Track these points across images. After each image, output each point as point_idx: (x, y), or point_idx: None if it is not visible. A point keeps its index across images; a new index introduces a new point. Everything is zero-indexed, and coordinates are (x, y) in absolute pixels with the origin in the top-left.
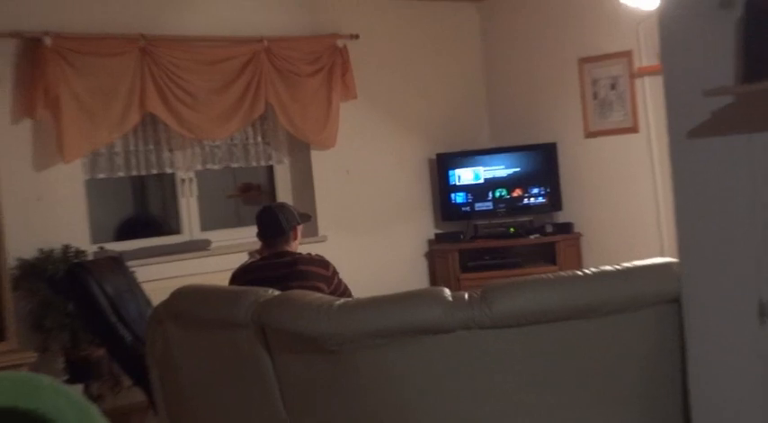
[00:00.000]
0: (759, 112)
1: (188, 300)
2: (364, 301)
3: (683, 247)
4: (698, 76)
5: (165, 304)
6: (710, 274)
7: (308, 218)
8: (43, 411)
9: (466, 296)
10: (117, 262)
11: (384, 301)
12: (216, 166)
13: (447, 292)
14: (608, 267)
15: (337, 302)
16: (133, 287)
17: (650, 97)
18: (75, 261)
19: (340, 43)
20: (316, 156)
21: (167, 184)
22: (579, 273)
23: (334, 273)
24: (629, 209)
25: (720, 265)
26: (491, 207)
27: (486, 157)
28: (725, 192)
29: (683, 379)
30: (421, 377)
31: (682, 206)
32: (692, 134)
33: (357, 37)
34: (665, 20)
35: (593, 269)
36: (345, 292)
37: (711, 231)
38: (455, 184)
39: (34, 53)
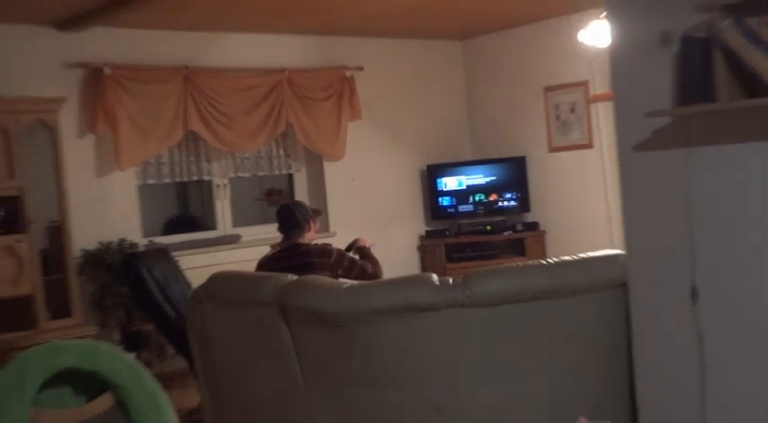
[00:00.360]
0: (691, 130)
1: (222, 284)
2: (367, 284)
3: (629, 242)
4: (641, 101)
5: (202, 287)
6: (651, 263)
7: (319, 212)
8: (103, 372)
9: (450, 281)
10: (163, 252)
11: (383, 285)
12: (245, 174)
13: (435, 277)
14: (567, 257)
15: (345, 285)
16: (176, 273)
17: (603, 119)
18: (130, 251)
19: (348, 73)
20: (327, 166)
21: (205, 188)
22: (543, 262)
23: (340, 257)
24: (585, 210)
25: (660, 256)
26: (472, 209)
27: (468, 168)
28: (664, 196)
29: (628, 349)
30: (414, 347)
31: (628, 208)
32: (636, 149)
33: (362, 68)
34: (615, 55)
35: (555, 259)
36: (362, 268)
37: (652, 228)
38: (442, 190)
39: (96, 80)
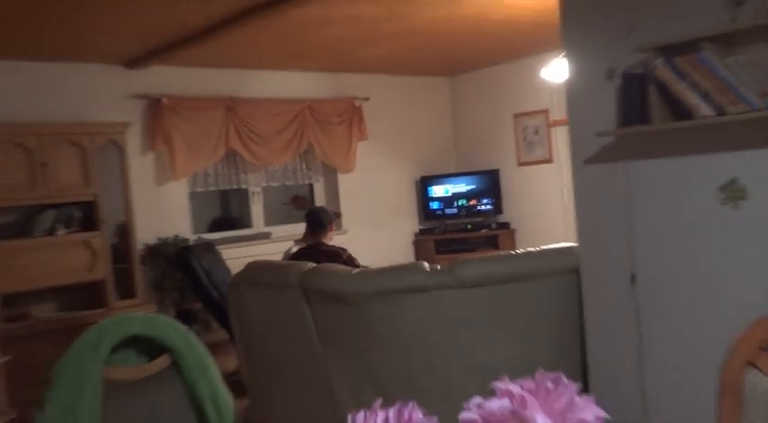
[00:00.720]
0: (630, 147)
1: (255, 271)
2: (372, 270)
3: (581, 237)
4: (591, 124)
5: (240, 274)
6: (598, 253)
7: (339, 216)
8: (161, 338)
9: (438, 267)
10: (209, 246)
11: (385, 270)
12: (275, 184)
13: (426, 264)
14: (532, 249)
15: (354, 271)
16: (219, 263)
17: (560, 140)
18: (182, 245)
19: (357, 103)
20: (341, 177)
21: (242, 195)
22: (512, 252)
23: (350, 260)
24: (546, 212)
25: (605, 248)
26: (456, 212)
27: (453, 179)
28: (608, 199)
29: (581, 323)
30: (409, 320)
31: (580, 209)
32: (586, 162)
33: (368, 99)
34: (570, 87)
35: (522, 250)
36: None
37: (599, 226)
38: (432, 196)
39: (156, 108)
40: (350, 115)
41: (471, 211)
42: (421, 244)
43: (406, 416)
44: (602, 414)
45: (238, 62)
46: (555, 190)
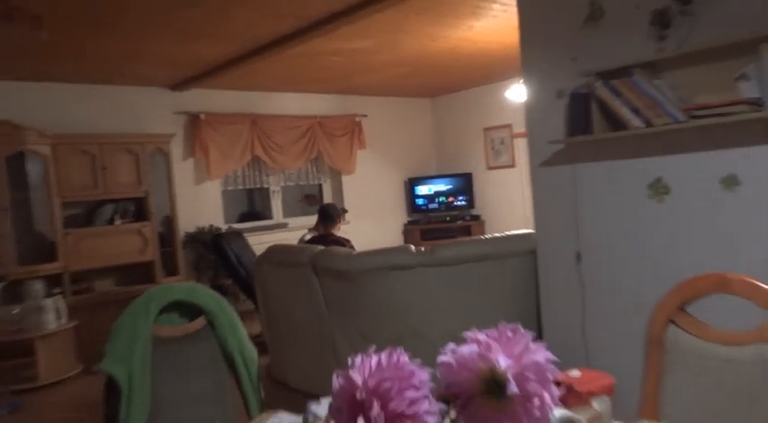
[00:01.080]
0: (577, 152)
1: (276, 252)
2: (368, 251)
3: (537, 225)
4: (545, 134)
5: (263, 255)
6: (551, 238)
7: (346, 211)
8: (199, 303)
9: (422, 249)
10: (238, 233)
11: (379, 252)
12: (291, 184)
13: (412, 247)
14: (498, 234)
15: (354, 252)
16: (246, 247)
17: (521, 149)
18: (216, 233)
19: (357, 119)
20: (344, 178)
21: (264, 192)
22: (482, 237)
23: (351, 248)
24: (510, 207)
25: (556, 234)
26: (437, 206)
27: (435, 180)
28: (559, 195)
29: (537, 293)
30: (398, 292)
31: (536, 203)
32: (542, 165)
33: (366, 116)
34: (529, 105)
35: (489, 235)
36: None
37: (552, 216)
38: (418, 194)
39: (195, 123)
40: (351, 129)
41: (449, 206)
42: (409, 233)
43: (395, 358)
44: (552, 357)
45: (261, 86)
46: (516, 189)
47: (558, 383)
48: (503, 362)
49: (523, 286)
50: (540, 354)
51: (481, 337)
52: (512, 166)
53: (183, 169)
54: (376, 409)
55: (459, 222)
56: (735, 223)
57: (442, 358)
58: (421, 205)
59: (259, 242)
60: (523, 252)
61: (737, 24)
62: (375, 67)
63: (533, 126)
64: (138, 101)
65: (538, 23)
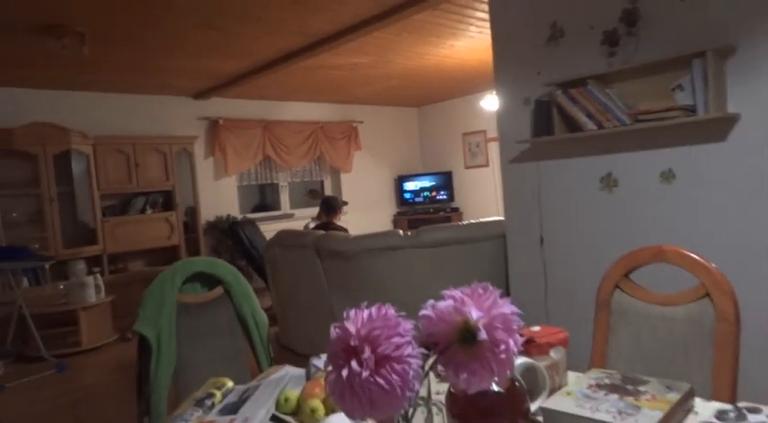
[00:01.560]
0: (541, 151)
1: (284, 236)
2: (363, 235)
3: (507, 213)
4: (513, 135)
5: (273, 238)
6: (518, 224)
7: (346, 203)
8: (218, 274)
9: (409, 233)
10: (251, 222)
11: (373, 235)
12: (297, 180)
13: (400, 231)
14: (473, 221)
15: (352, 235)
16: (258, 233)
17: (493, 151)
18: (233, 221)
19: (354, 125)
20: (343, 176)
21: (274, 187)
22: (461, 223)
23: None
24: (484, 200)
25: (523, 221)
26: (422, 200)
27: (420, 177)
28: (525, 187)
29: (506, 272)
30: (388, 269)
31: (506, 194)
32: (511, 162)
33: (362, 122)
34: (500, 111)
35: (467, 222)
36: None
37: (519, 205)
38: (406, 189)
39: (215, 127)
40: (349, 133)
41: (433, 200)
42: (398, 223)
43: (383, 311)
44: (516, 310)
45: (272, 96)
46: (490, 185)
47: (521, 336)
48: (474, 314)
49: (495, 265)
50: (507, 307)
51: (456, 293)
52: (486, 165)
53: (204, 167)
54: (367, 352)
55: (441, 214)
56: (672, 210)
57: (424, 312)
58: (408, 199)
59: (269, 230)
60: (495, 236)
61: (674, 43)
62: (371, 80)
63: (504, 129)
64: (166, 108)
65: (508, 43)
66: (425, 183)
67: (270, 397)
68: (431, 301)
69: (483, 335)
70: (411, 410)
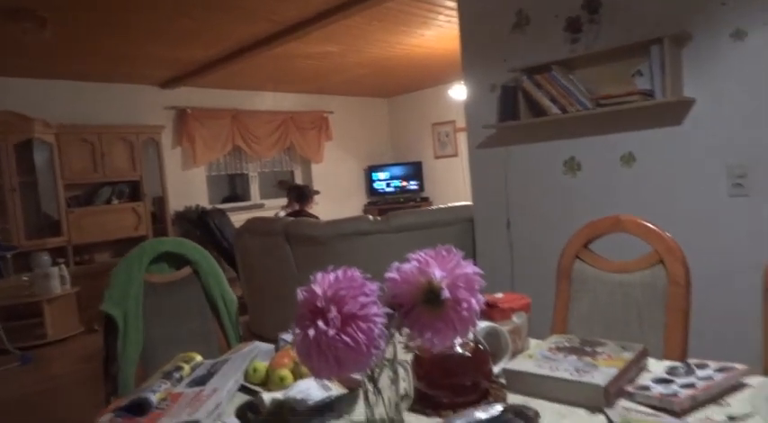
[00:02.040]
0: (507, 136)
1: (254, 223)
2: (335, 220)
3: (474, 197)
4: (481, 120)
5: (243, 226)
6: (486, 208)
7: (317, 192)
8: (186, 254)
9: (378, 218)
10: (221, 211)
11: (344, 220)
12: (267, 170)
13: (370, 216)
14: (442, 205)
15: (323, 221)
16: (228, 223)
17: (462, 141)
18: (202, 211)
19: (324, 115)
20: (313, 166)
21: (244, 178)
22: (429, 208)
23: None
24: (452, 189)
25: (490, 205)
26: (392, 190)
27: (390, 167)
28: (492, 172)
29: (474, 254)
30: (359, 253)
31: (474, 179)
32: (478, 147)
33: (332, 112)
34: (468, 97)
35: (436, 207)
36: None
37: (486, 190)
38: (376, 179)
39: (182, 116)
40: (320, 123)
41: (403, 190)
42: (368, 212)
43: (348, 273)
44: (478, 270)
45: (242, 85)
46: (459, 175)
47: (486, 304)
48: (438, 274)
49: (462, 248)
50: (469, 268)
51: (421, 256)
52: (455, 155)
53: (172, 157)
54: (333, 312)
55: (411, 203)
56: (632, 191)
57: (389, 274)
58: (378, 189)
59: (239, 220)
60: (462, 220)
61: (633, 30)
62: (341, 69)
63: (471, 114)
64: (133, 97)
65: (475, 30)
66: (395, 173)
67: (238, 369)
68: (396, 264)
69: (446, 294)
70: (377, 371)
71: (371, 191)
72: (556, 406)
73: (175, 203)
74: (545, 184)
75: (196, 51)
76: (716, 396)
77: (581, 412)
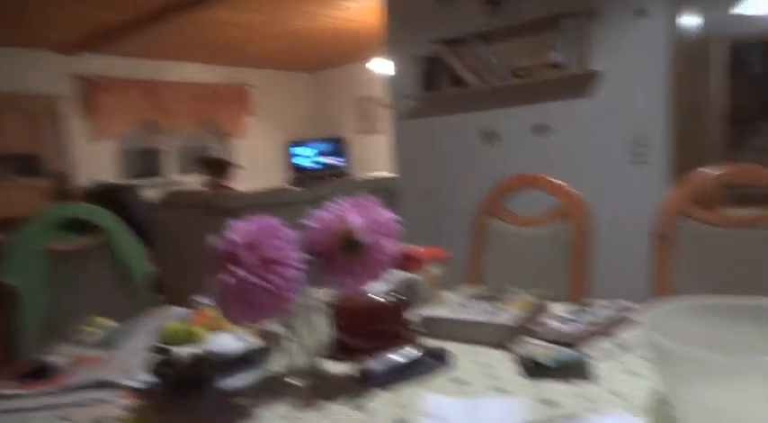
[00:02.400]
0: (430, 107)
1: (174, 197)
2: (258, 191)
3: (398, 167)
4: (404, 91)
5: (162, 199)
6: (409, 178)
7: (240, 167)
8: (97, 221)
9: (300, 189)
10: (132, 188)
11: (267, 191)
12: (184, 145)
13: (293, 187)
14: (367, 175)
15: (245, 192)
16: (142, 200)
17: (387, 117)
18: (114, 187)
19: (246, 88)
20: (235, 141)
21: (160, 153)
22: (352, 178)
23: None
24: (378, 163)
25: (414, 174)
26: (316, 167)
27: (313, 143)
28: (415, 143)
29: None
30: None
31: (398, 150)
32: (401, 118)
33: (254, 86)
34: (391, 72)
35: (360, 177)
36: None
37: (409, 160)
38: (298, 155)
39: (90, 86)
40: (241, 97)
41: (327, 166)
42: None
43: (266, 220)
44: (394, 217)
45: (157, 54)
46: (383, 150)
47: (405, 256)
48: (355, 220)
49: None
50: (386, 214)
51: (339, 205)
52: (379, 131)
53: (78, 129)
54: (250, 256)
55: (336, 179)
56: (546, 160)
57: (308, 222)
58: (301, 165)
59: (154, 196)
60: (386, 190)
61: (547, 4)
62: (265, 40)
63: (395, 85)
64: (30, 63)
65: (400, 3)
66: (318, 149)
67: (152, 330)
68: (314, 212)
69: (364, 238)
70: (295, 318)
71: (294, 167)
72: (469, 346)
73: (84, 179)
74: (465, 155)
75: (103, 13)
76: (607, 329)
77: (491, 351)
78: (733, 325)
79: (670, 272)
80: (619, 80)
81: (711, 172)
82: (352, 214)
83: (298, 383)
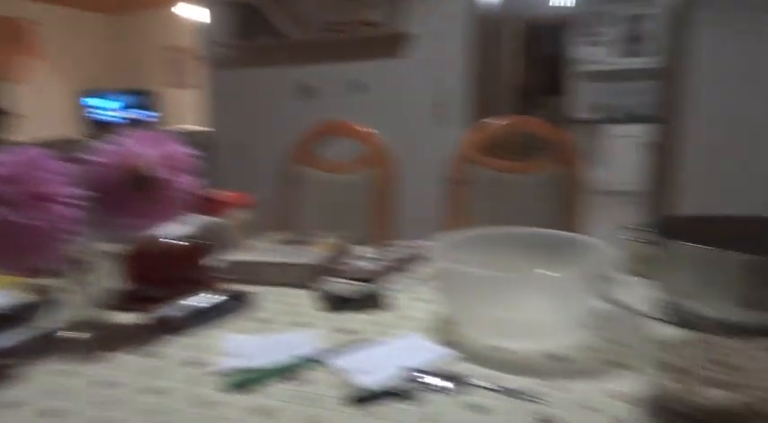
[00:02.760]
0: (243, 59)
1: None
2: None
3: (211, 119)
4: (218, 39)
5: None
6: (224, 131)
7: (20, 115)
8: None
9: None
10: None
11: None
12: None
13: (86, 139)
14: (180, 127)
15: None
16: None
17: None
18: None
19: (27, 24)
20: (14, 88)
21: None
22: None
23: None
24: (191, 112)
25: (228, 130)
26: (120, 121)
27: (117, 95)
28: (232, 96)
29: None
30: None
31: (212, 101)
32: (215, 68)
33: (41, 24)
34: (205, 19)
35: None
36: None
37: (225, 114)
38: (96, 107)
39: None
40: (18, 34)
41: (133, 121)
42: None
43: (29, 151)
44: (189, 151)
45: None
46: (198, 105)
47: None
48: (144, 153)
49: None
50: (180, 148)
51: (128, 137)
52: (193, 85)
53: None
54: (13, 192)
55: None
56: (362, 117)
57: (89, 157)
58: (103, 119)
59: None
60: (201, 143)
61: None
62: None
63: (208, 35)
64: None
65: None
66: (124, 102)
67: None
68: (98, 144)
69: (154, 173)
70: (74, 265)
71: (93, 121)
72: (276, 288)
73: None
74: (281, 109)
75: None
76: (404, 265)
77: (297, 291)
78: (509, 250)
79: (462, 213)
80: (428, 44)
81: (499, 122)
82: (143, 147)
83: (78, 337)
